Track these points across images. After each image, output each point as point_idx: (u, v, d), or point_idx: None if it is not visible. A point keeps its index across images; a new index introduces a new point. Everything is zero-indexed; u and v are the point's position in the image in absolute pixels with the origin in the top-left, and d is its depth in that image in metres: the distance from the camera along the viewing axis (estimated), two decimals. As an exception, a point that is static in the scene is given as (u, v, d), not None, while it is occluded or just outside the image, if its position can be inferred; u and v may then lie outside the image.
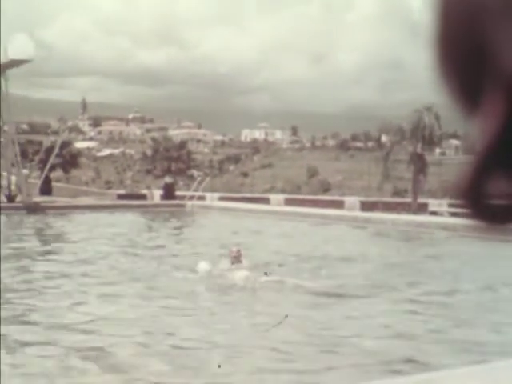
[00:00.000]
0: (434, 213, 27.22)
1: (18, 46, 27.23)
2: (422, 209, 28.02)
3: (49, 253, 15.79)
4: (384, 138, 34.07)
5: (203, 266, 12.39)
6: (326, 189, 46.92)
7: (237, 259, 12.65)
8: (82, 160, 53.95)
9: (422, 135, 29.32)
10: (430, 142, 30.18)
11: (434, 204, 28.89)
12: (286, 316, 8.44)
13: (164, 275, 12.42)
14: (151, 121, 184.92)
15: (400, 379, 5.74)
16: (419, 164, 29.76)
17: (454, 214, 22.88)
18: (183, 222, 25.79)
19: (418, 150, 29.86)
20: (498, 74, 0.49)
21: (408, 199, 30.63)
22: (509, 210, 0.52)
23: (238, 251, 12.84)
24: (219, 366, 6.60)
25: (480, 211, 0.52)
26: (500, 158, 0.51)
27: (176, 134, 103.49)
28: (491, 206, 0.52)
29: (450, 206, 26.37)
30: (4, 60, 27.14)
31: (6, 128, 29.38)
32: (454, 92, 0.53)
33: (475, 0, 0.50)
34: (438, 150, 31.72)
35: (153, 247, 16.94)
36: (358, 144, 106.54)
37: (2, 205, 27.06)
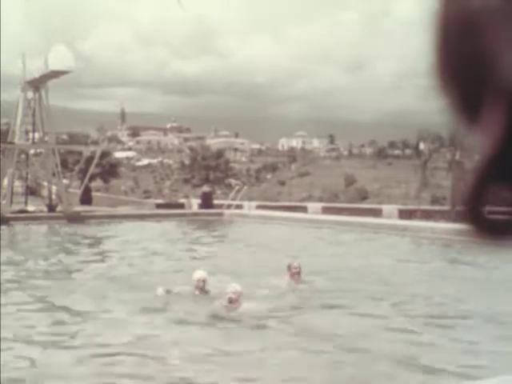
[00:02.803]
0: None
1: (57, 57, 27.54)
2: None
3: (93, 260, 15.98)
4: (422, 146, 33.82)
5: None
6: (363, 197, 46.63)
7: (297, 276, 11.56)
8: (121, 170, 54.39)
9: (461, 142, 29.07)
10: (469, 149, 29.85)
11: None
12: None
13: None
14: (189, 130, 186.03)
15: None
16: (459, 171, 29.45)
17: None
18: (221, 230, 25.87)
19: (457, 157, 29.58)
20: (498, 85, 0.49)
21: (447, 207, 30.32)
22: (509, 222, 0.52)
23: (299, 267, 11.70)
24: None
25: (480, 222, 0.52)
26: (501, 169, 0.50)
27: (213, 143, 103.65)
28: (491, 217, 0.51)
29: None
30: (44, 71, 27.62)
31: (46, 138, 29.85)
32: (453, 102, 0.52)
33: (475, 10, 0.50)
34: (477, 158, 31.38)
35: (190, 255, 17.06)
36: (396, 152, 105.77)
37: (43, 214, 27.50)
